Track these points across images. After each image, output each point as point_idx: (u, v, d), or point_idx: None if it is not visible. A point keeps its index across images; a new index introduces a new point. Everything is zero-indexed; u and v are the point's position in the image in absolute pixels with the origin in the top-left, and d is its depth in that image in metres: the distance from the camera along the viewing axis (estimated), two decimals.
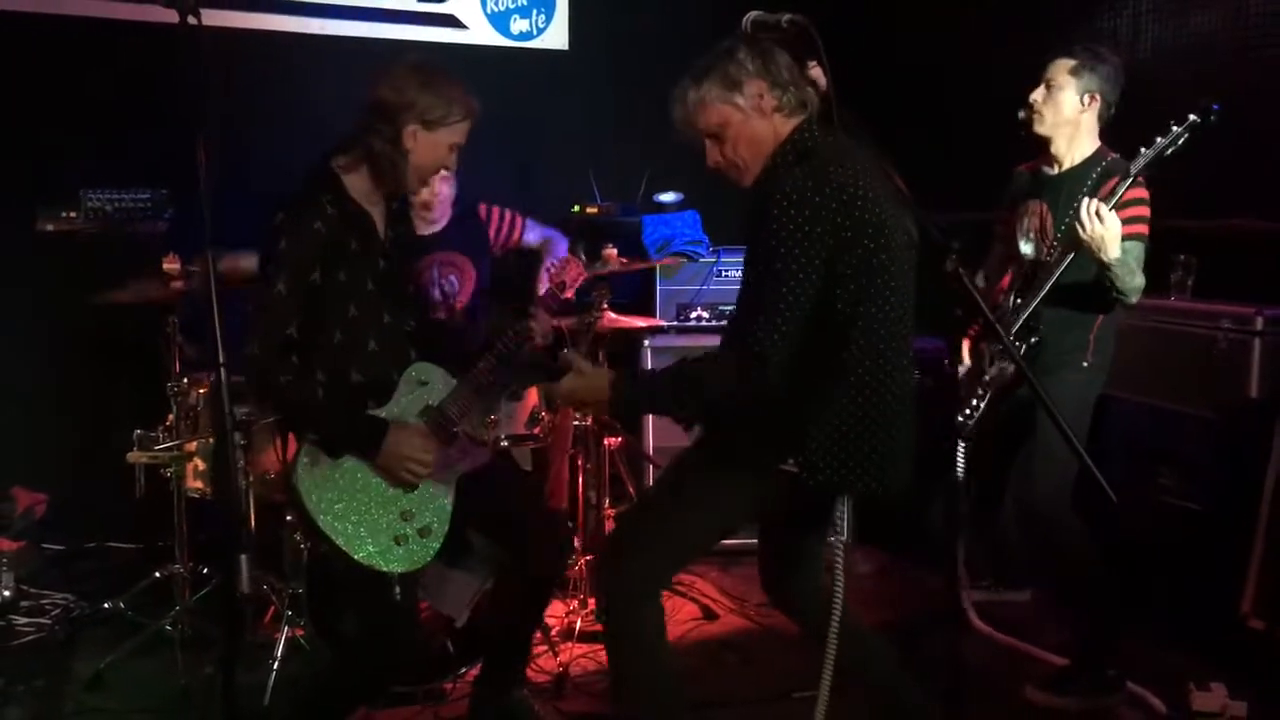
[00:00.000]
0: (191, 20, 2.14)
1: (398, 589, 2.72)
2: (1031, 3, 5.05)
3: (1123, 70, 3.40)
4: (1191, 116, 3.13)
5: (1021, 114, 3.44)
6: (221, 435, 1.91)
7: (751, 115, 2.46)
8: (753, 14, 2.36)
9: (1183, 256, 4.13)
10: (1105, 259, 3.14)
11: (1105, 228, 3.10)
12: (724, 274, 4.66)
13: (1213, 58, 4.37)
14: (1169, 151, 3.15)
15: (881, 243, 2.37)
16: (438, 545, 2.78)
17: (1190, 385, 3.92)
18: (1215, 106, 3.11)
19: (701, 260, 4.73)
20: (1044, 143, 3.45)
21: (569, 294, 3.15)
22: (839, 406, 2.42)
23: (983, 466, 3.57)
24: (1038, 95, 3.42)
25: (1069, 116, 3.38)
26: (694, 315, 4.70)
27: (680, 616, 4.03)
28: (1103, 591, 3.43)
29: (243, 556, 1.87)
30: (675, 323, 4.70)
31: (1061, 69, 3.38)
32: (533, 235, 4.26)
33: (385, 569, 2.68)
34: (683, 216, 4.82)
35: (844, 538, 2.53)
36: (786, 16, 2.28)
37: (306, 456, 2.68)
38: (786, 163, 2.44)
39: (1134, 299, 3.29)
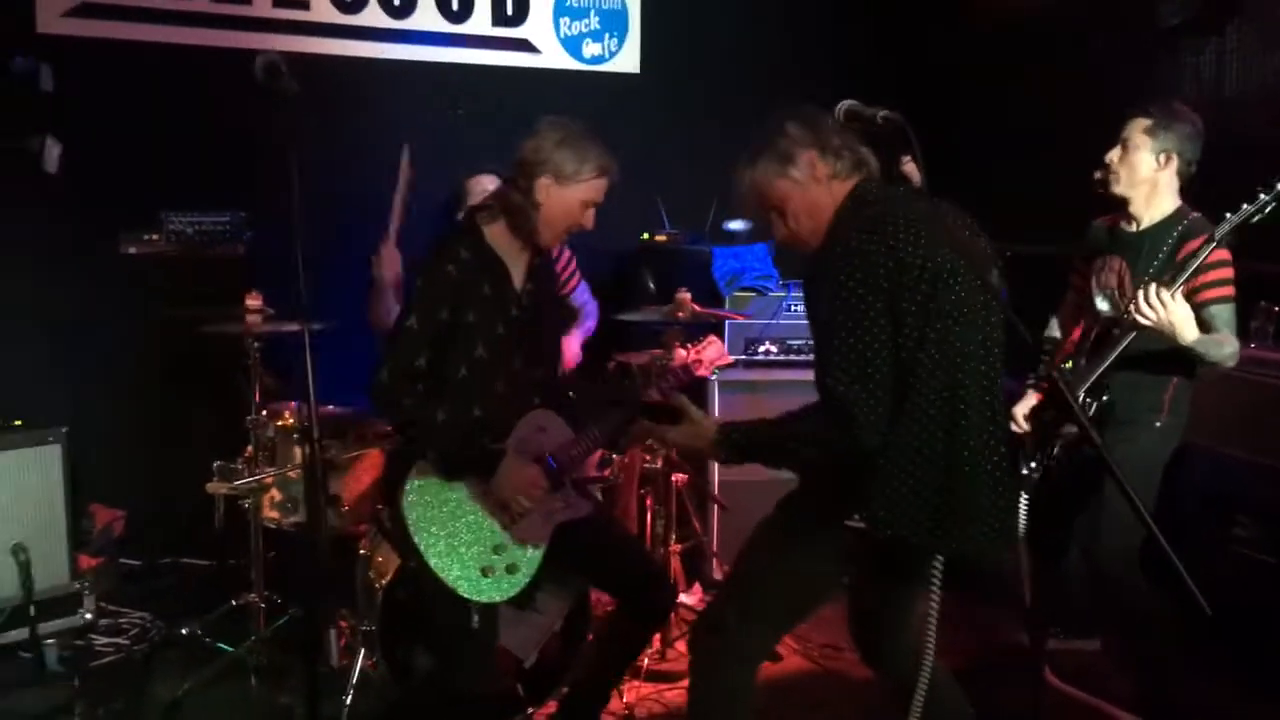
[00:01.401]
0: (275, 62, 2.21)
1: (476, 617, 2.83)
2: (1114, 41, 4.98)
3: (1202, 127, 3.33)
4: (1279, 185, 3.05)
5: (1098, 174, 3.39)
6: (315, 509, 1.94)
7: (809, 186, 2.48)
8: (845, 103, 2.35)
9: (1263, 303, 4.06)
10: (1182, 342, 3.08)
11: (1170, 313, 3.04)
12: (793, 309, 4.61)
13: None
14: (1255, 219, 3.06)
15: (940, 288, 2.33)
16: (522, 584, 2.89)
17: (1269, 435, 3.86)
18: None
19: (771, 295, 4.70)
20: (1122, 201, 3.40)
21: (703, 372, 3.16)
22: (903, 458, 2.35)
23: (1051, 515, 3.53)
24: (1113, 155, 3.36)
25: (1145, 176, 3.32)
26: (762, 350, 4.65)
27: None
28: (1171, 651, 3.37)
29: (332, 631, 1.91)
30: (743, 357, 4.65)
31: (1137, 128, 3.32)
32: (580, 296, 4.36)
33: (467, 595, 2.79)
34: (752, 249, 4.78)
35: (937, 595, 2.46)
36: (882, 112, 2.27)
37: (417, 477, 2.83)
38: (847, 216, 2.45)
39: (1231, 364, 3.21)
